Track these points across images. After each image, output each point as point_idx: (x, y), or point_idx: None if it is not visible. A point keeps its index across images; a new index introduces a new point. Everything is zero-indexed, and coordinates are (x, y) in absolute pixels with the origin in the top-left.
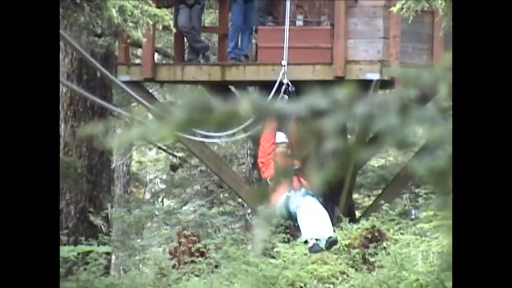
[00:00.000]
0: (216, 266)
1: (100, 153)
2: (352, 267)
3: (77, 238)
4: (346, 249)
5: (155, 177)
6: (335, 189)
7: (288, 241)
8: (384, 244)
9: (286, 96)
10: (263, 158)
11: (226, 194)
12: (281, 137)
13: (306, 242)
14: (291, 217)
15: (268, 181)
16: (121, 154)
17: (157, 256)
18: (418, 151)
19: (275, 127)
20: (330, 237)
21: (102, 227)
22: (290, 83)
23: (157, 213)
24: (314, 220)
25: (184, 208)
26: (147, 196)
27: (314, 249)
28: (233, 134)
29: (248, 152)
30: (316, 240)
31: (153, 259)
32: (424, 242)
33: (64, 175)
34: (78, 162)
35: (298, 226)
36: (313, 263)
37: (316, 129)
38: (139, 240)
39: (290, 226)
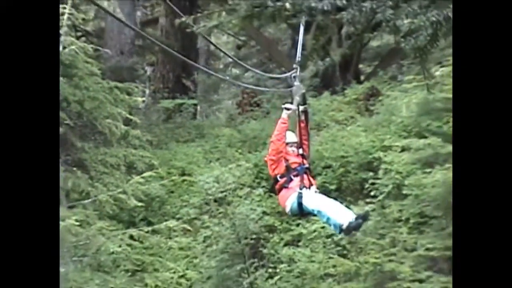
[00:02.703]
0: (267, 113)
1: (190, 37)
2: (358, 113)
3: (174, 94)
4: (354, 101)
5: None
6: (347, 61)
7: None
8: (380, 98)
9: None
10: (274, 156)
11: (274, 65)
12: (291, 137)
13: (341, 230)
14: (302, 212)
15: (278, 178)
16: (202, 38)
17: (228, 106)
18: (404, 34)
19: (286, 127)
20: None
21: (191, 86)
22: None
23: (227, 77)
24: (342, 209)
25: (245, 74)
26: (221, 66)
27: (354, 225)
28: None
29: (289, 35)
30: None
31: (225, 109)
32: (407, 96)
33: (165, 53)
34: (175, 44)
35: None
36: (332, 110)
37: (338, 19)
38: (216, 96)
39: None
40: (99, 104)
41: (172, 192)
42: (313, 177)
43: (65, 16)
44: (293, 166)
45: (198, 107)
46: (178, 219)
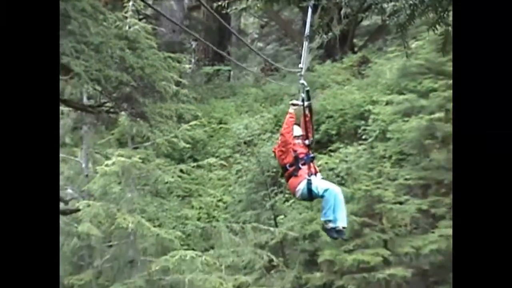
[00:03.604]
0: (284, 76)
1: (224, 18)
2: (353, 76)
3: (213, 62)
4: (349, 67)
5: (252, 32)
6: (345, 36)
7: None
8: (369, 65)
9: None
10: (284, 147)
11: (288, 39)
12: (298, 130)
13: (330, 221)
14: (312, 196)
15: (287, 167)
16: (236, 16)
17: (254, 71)
18: (388, 15)
19: (294, 121)
20: (344, 228)
21: (227, 56)
22: (305, 84)
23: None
24: (344, 211)
25: (267, 47)
26: (249, 40)
27: (334, 234)
28: None
29: (300, 17)
30: (339, 228)
31: (252, 73)
32: (390, 63)
33: (206, 31)
34: (213, 24)
35: (323, 206)
36: (333, 74)
37: (338, 3)
38: (244, 64)
39: None
40: (156, 70)
41: (212, 136)
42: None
43: (130, 3)
44: (301, 156)
45: (231, 72)
46: (216, 156)
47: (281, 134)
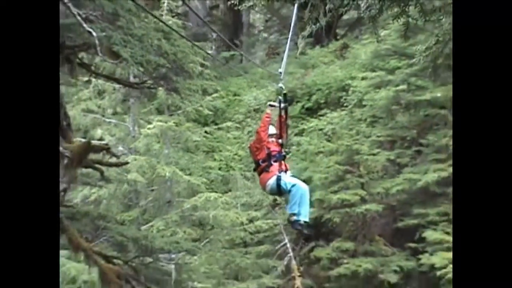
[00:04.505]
0: (281, 58)
1: (237, 13)
2: (336, 58)
3: (229, 49)
4: (333, 51)
5: (259, 25)
6: (330, 26)
7: None
8: (349, 49)
9: (280, 97)
10: (258, 144)
11: (286, 31)
12: (272, 129)
13: (295, 215)
14: (280, 191)
15: (260, 163)
16: (246, 12)
17: (260, 55)
18: (363, 9)
19: (270, 121)
20: (307, 222)
21: (238, 44)
22: (283, 87)
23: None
24: (307, 207)
25: (270, 36)
26: (256, 32)
27: (298, 226)
28: None
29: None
30: (303, 222)
31: (259, 56)
32: (364, 47)
33: (223, 25)
34: (229, 19)
35: (290, 200)
36: (321, 56)
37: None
38: (252, 49)
39: None
40: (185, 55)
41: (229, 105)
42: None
43: (165, 4)
44: (273, 153)
45: (243, 56)
46: (232, 121)
47: (257, 132)
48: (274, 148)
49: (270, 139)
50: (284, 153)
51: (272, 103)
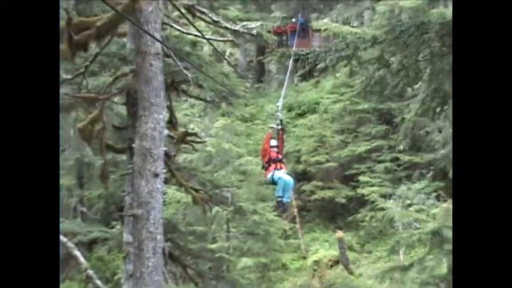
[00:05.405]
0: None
1: None
2: (313, 87)
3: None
4: (311, 81)
5: None
6: (311, 70)
7: None
8: (320, 82)
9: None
10: (263, 152)
11: None
12: (273, 142)
13: (280, 197)
14: (274, 183)
15: (265, 164)
16: None
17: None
18: (330, 60)
19: (271, 137)
20: (287, 202)
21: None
22: (280, 115)
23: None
24: (289, 192)
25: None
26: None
27: (281, 206)
28: None
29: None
30: (284, 202)
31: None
32: (331, 79)
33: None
34: None
35: (277, 187)
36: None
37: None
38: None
39: None
40: (236, 84)
41: (258, 112)
42: (284, 163)
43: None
44: (273, 158)
45: (265, 87)
46: (260, 120)
47: (263, 145)
48: (274, 154)
49: (272, 149)
50: (280, 158)
51: (272, 125)
